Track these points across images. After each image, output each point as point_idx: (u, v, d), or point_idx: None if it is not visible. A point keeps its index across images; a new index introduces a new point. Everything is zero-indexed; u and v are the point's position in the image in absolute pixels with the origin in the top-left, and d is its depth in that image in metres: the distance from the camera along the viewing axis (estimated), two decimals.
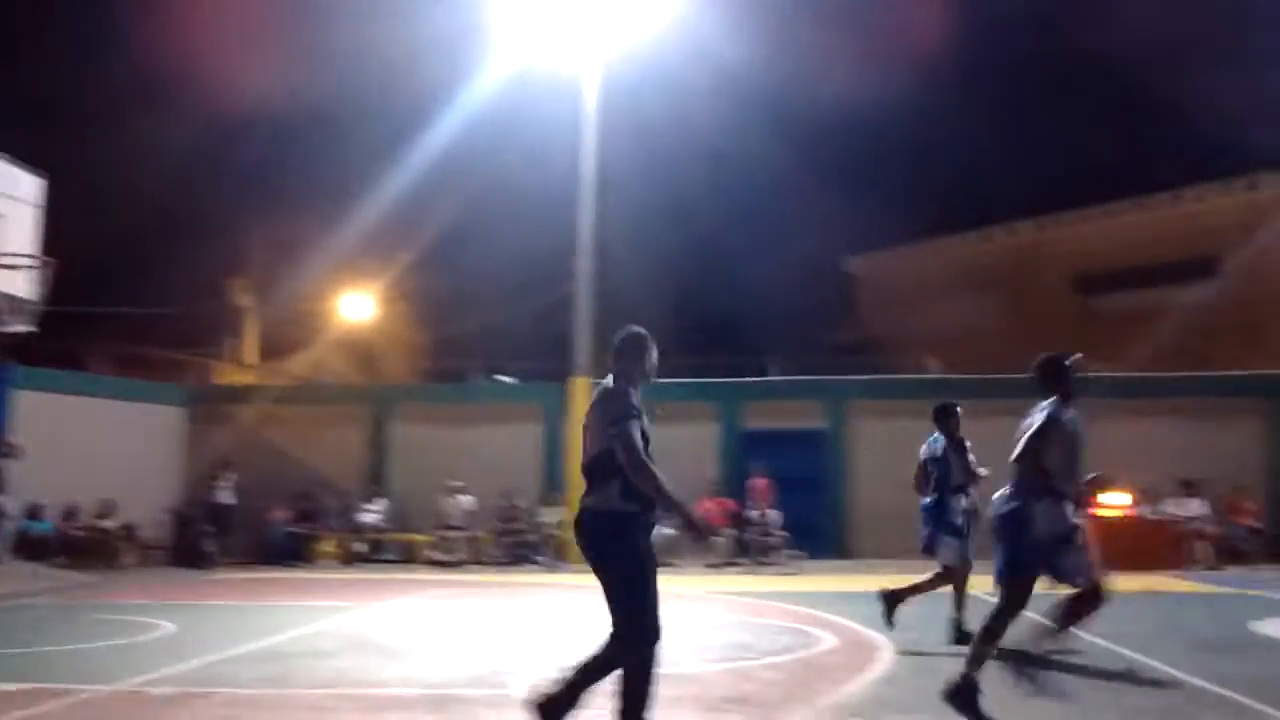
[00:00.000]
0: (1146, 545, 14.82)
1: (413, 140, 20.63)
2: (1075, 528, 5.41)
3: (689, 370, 20.02)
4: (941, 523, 8.08)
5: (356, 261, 27.17)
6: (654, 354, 4.89)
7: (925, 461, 8.34)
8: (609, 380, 4.79)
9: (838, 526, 18.01)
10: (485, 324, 27.45)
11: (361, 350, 30.06)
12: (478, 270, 28.02)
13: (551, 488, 17.71)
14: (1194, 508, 16.53)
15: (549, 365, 19.20)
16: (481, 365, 23.58)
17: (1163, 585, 12.87)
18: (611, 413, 4.59)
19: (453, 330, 29.04)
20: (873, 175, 33.91)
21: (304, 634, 8.75)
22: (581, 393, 17.56)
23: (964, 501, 8.12)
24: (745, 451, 17.91)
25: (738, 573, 15.32)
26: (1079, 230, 28.85)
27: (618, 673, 4.49)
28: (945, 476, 8.12)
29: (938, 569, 8.10)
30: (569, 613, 10.72)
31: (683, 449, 17.51)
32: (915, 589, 8.11)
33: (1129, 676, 6.75)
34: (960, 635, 7.62)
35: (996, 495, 5.65)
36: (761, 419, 18.61)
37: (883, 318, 31.06)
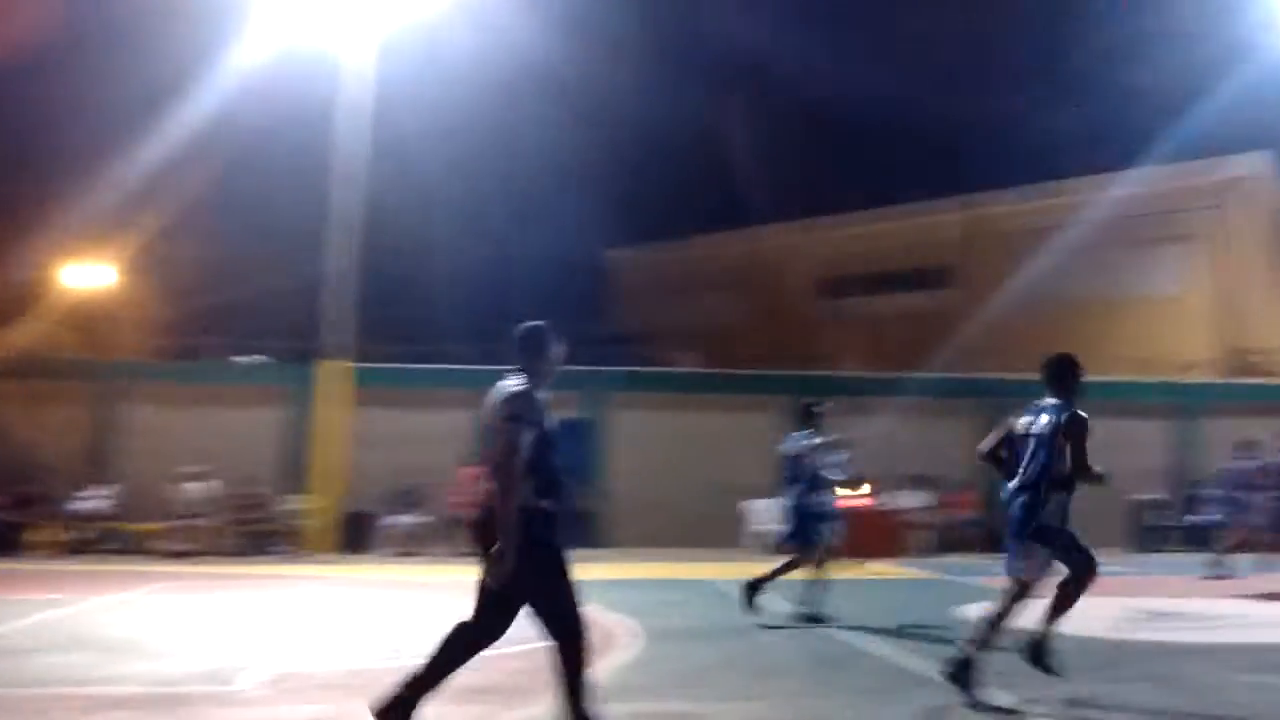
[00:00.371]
0: (872, 535, 15.83)
1: (164, 106, 19.23)
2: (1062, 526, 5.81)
3: (451, 357, 19.79)
4: (818, 515, 8.76)
5: (94, 230, 25.11)
6: (558, 348, 4.79)
7: (792, 458, 8.89)
8: (511, 378, 4.64)
9: (596, 516, 18.30)
10: (234, 300, 26.01)
11: (94, 324, 27.82)
12: (229, 244, 26.51)
13: (295, 474, 17.08)
14: (915, 500, 17.98)
15: (300, 346, 18.47)
16: (226, 343, 22.34)
17: (883, 572, 13.80)
18: (505, 411, 4.49)
19: (199, 305, 27.33)
20: (638, 170, 34.40)
21: (12, 629, 8.03)
22: (331, 376, 17.00)
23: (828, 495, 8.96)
24: None
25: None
26: (824, 236, 30.43)
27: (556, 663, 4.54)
28: (813, 470, 8.78)
29: (815, 554, 8.71)
30: (307, 604, 10.35)
31: (439, 435, 17.31)
32: (819, 577, 8.68)
33: (847, 657, 7.16)
34: (752, 594, 8.43)
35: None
36: None
37: (640, 312, 31.71)
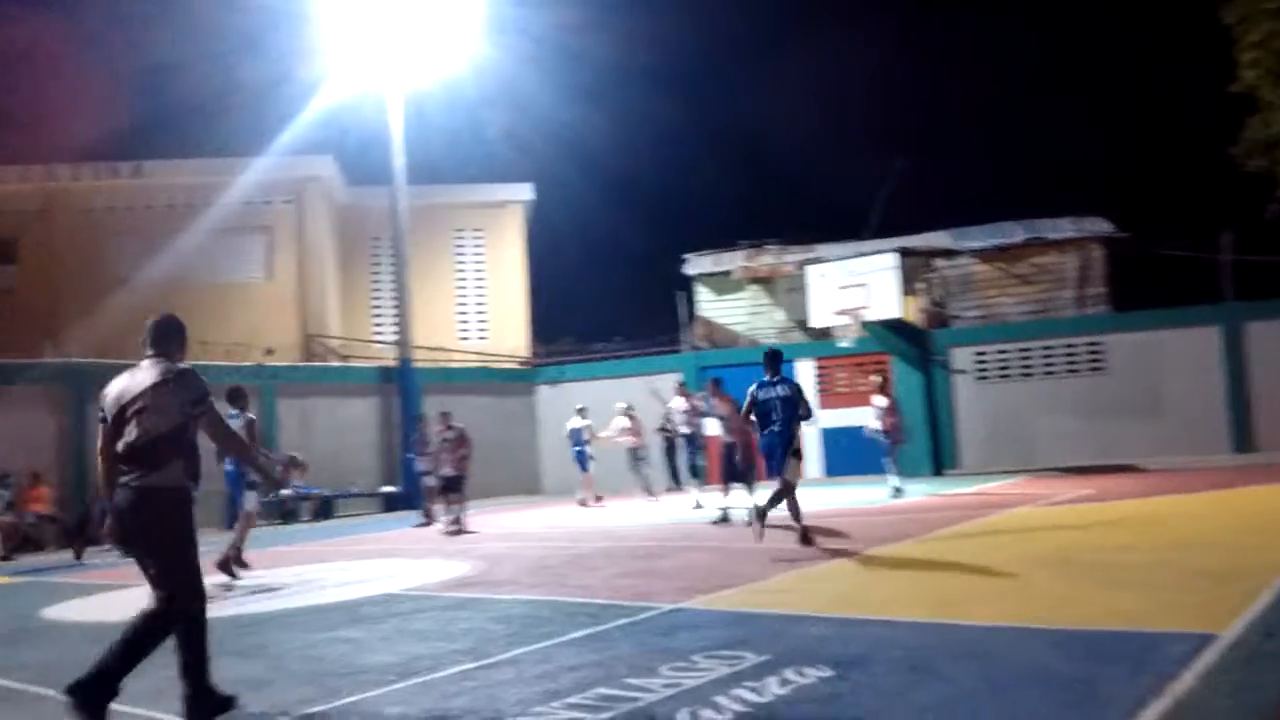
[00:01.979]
0: None
1: None
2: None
3: None
4: (245, 482, 10.57)
5: None
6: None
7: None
8: (161, 362, 4.97)
9: None
10: None
11: None
12: None
13: None
14: None
15: None
16: None
17: None
18: (194, 393, 4.91)
19: None
20: None
21: None
22: None
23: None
24: None
25: None
26: None
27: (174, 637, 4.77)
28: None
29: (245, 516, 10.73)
30: None
31: None
32: (238, 545, 10.58)
33: None
34: (238, 563, 10.53)
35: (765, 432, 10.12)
36: None
37: None
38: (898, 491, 15.88)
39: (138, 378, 4.94)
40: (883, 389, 16.84)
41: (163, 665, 4.69)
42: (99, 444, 4.96)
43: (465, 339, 29.39)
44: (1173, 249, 23.47)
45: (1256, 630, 5.09)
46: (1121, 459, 20.16)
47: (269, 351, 23.66)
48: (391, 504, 21.99)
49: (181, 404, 4.88)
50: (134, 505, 4.78)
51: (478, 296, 30.02)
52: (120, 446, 4.83)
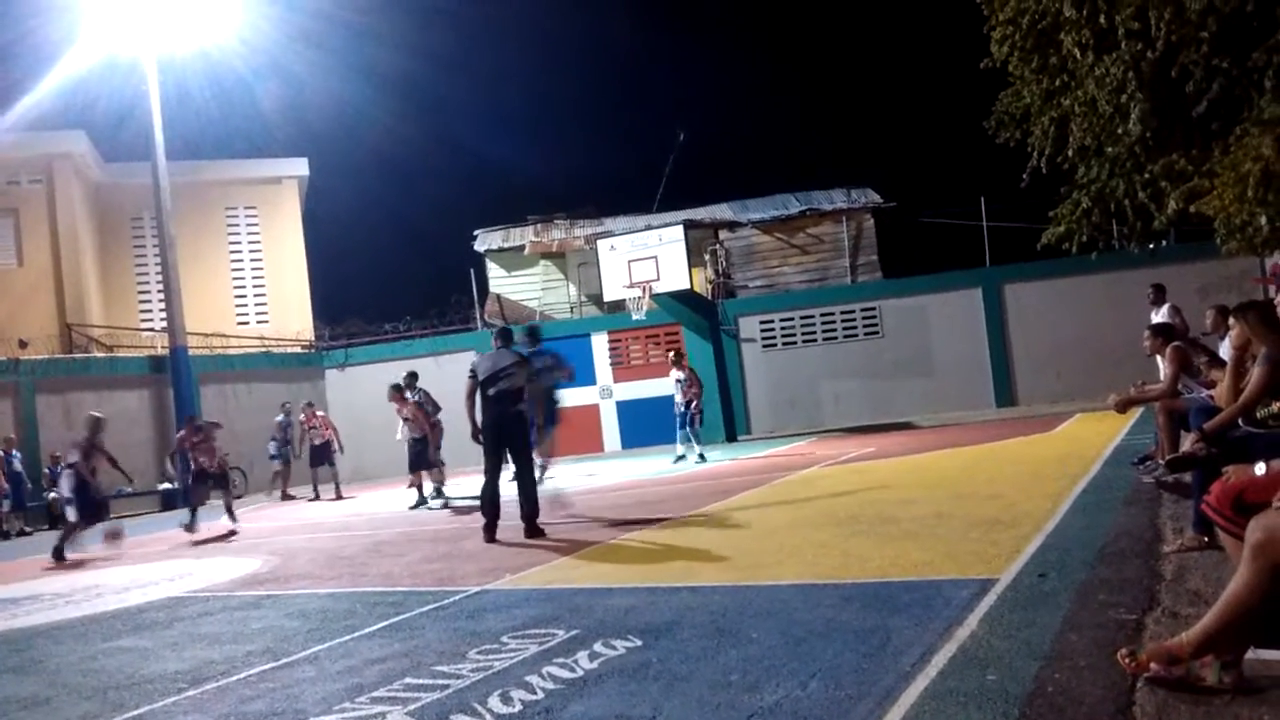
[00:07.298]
0: None
1: None
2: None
3: None
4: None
5: None
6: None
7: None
8: (509, 349, 9.72)
9: None
10: None
11: None
12: None
13: None
14: None
15: None
16: None
17: None
18: (528, 368, 9.63)
19: None
20: None
21: None
22: None
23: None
24: None
25: None
26: None
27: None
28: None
29: None
30: None
31: None
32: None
33: None
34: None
35: None
36: None
37: None
38: (680, 459, 16.72)
39: (500, 358, 9.47)
40: (678, 363, 17.04)
41: None
42: (468, 390, 9.59)
43: (244, 323, 28.05)
44: (935, 217, 24.96)
45: (1030, 573, 5.46)
46: (898, 417, 21.33)
47: (23, 344, 21.87)
48: (171, 503, 20.79)
49: (524, 372, 9.52)
50: (510, 420, 9.31)
51: (255, 278, 28.68)
52: (492, 392, 9.30)
